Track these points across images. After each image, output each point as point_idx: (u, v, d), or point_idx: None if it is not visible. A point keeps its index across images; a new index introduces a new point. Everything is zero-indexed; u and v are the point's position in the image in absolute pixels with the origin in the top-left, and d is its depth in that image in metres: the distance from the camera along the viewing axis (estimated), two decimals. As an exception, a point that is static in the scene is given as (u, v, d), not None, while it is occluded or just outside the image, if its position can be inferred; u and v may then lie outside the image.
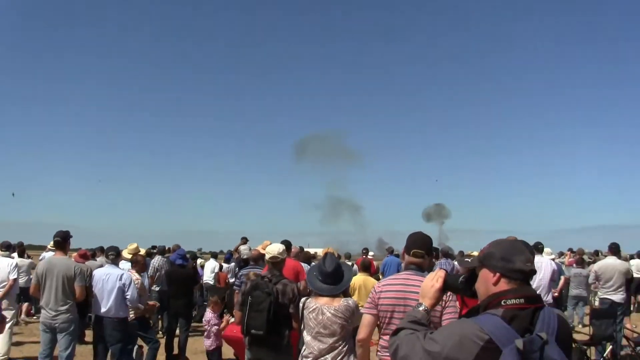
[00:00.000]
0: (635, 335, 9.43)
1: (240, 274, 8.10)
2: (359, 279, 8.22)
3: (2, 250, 9.10)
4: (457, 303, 3.61)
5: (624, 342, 9.07)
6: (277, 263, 5.32)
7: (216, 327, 7.52)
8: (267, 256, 5.34)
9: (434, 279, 2.31)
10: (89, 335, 9.20)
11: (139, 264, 7.88)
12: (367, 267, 8.72)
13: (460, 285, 2.27)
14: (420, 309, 2.25)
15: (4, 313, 7.93)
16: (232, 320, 7.54)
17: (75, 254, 11.36)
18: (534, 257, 2.14)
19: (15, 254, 11.23)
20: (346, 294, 6.30)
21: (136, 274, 7.50)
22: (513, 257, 2.05)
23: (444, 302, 3.44)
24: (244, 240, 14.63)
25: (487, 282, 2.08)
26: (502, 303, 1.97)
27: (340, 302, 4.32)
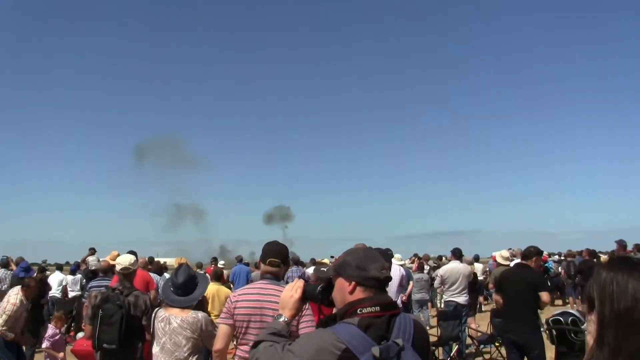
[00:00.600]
0: (479, 334, 10.20)
1: (90, 286, 7.84)
2: (211, 289, 8.31)
3: None
4: (313, 312, 3.62)
5: (469, 341, 9.82)
6: (128, 274, 5.26)
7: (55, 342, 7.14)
8: (118, 267, 5.26)
9: (293, 289, 2.28)
10: None
11: (30, 289, 6.94)
12: (219, 277, 8.80)
13: (318, 294, 2.25)
14: (280, 320, 2.22)
15: None
16: (81, 334, 7.30)
17: None
18: (390, 265, 2.31)
19: None
20: (204, 307, 6.37)
21: (20, 297, 6.67)
22: (368, 265, 2.06)
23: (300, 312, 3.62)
24: (92, 251, 14.12)
25: (343, 291, 2.09)
26: (358, 312, 1.98)
27: (188, 314, 4.28)
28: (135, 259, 5.53)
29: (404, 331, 1.96)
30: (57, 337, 7.29)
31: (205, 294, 8.24)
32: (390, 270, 2.37)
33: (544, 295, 5.86)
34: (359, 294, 2.04)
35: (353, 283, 2.06)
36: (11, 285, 9.99)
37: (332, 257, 16.47)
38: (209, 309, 8.04)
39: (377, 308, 1.98)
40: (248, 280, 11.32)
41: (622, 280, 1.39)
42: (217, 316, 3.75)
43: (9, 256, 12.05)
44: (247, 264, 14.22)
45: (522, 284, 6.15)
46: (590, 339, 1.44)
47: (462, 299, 9.51)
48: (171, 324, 4.22)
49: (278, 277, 3.73)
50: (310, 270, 11.20)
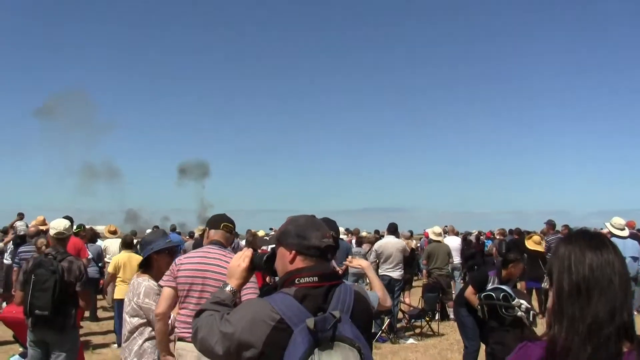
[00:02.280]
0: (411, 308, 10.53)
1: (19, 251, 7.58)
2: (122, 257, 8.26)
3: None
4: (257, 282, 3.63)
5: (400, 315, 10.07)
6: (62, 239, 5.12)
7: None
8: (53, 232, 5.09)
9: (241, 259, 2.25)
10: None
11: None
12: (129, 244, 8.75)
13: (263, 264, 2.23)
14: (227, 289, 2.18)
15: None
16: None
17: None
18: (337, 234, 2.24)
19: None
20: None
21: None
22: (308, 234, 2.03)
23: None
24: (20, 216, 13.69)
25: (284, 260, 2.06)
26: (296, 281, 1.95)
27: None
28: (70, 224, 5.39)
29: (343, 303, 1.93)
30: None
31: (115, 261, 8.22)
32: (333, 239, 2.37)
33: None
34: (299, 263, 2.00)
35: (293, 252, 2.02)
36: None
37: (271, 229, 16.57)
38: (120, 277, 8.04)
39: (315, 278, 1.94)
40: (181, 251, 11.21)
41: (579, 252, 1.48)
42: (162, 279, 3.66)
43: None
44: (180, 233, 14.02)
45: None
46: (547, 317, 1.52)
47: (396, 273, 9.64)
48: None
49: (226, 245, 3.71)
50: (243, 242, 11.13)
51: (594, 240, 1.51)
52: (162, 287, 3.68)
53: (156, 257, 4.08)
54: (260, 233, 13.27)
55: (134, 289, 4.02)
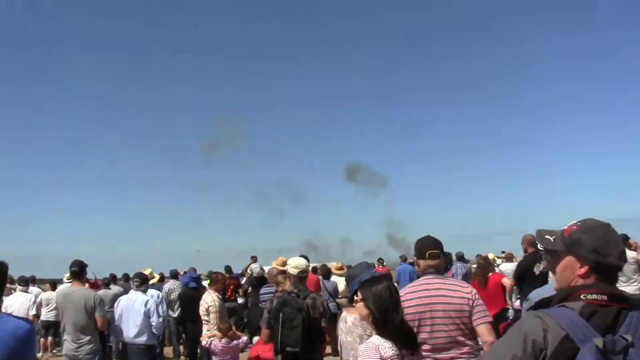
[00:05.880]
0: None
1: (261, 292, 8.14)
2: None
3: (19, 285, 9.14)
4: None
5: None
6: (303, 278, 5.31)
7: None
8: (295, 271, 5.28)
9: None
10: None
11: (218, 283, 7.85)
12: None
13: None
14: None
15: None
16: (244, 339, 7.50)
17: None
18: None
19: (34, 287, 11.26)
20: None
21: (214, 295, 7.48)
22: (608, 251, 1.87)
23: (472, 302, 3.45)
24: (254, 259, 14.80)
25: (572, 272, 1.92)
26: (582, 297, 1.81)
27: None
28: (307, 262, 5.59)
29: (636, 328, 1.73)
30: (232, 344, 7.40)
31: None
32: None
33: None
34: (590, 279, 1.85)
35: (587, 267, 1.86)
36: (180, 296, 10.54)
37: (503, 252, 15.35)
38: None
39: (605, 297, 1.78)
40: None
41: None
42: None
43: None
44: (412, 264, 13.76)
45: None
46: None
47: (630, 288, 8.39)
48: (347, 322, 4.12)
49: (439, 271, 3.62)
50: (472, 266, 10.54)
51: None
52: None
53: None
54: (490, 256, 12.60)
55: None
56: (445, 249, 4.44)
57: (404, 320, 3.17)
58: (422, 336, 3.39)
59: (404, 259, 15.31)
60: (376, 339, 3.05)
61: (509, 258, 13.22)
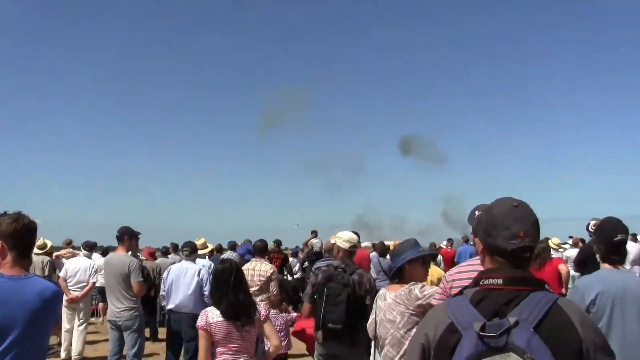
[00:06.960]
0: None
1: (316, 266, 8.01)
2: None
3: (84, 250, 9.37)
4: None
5: None
6: (353, 252, 5.15)
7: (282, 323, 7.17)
8: (347, 245, 5.11)
9: None
10: (162, 332, 9.34)
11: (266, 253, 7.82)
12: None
13: None
14: None
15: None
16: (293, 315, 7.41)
17: (144, 251, 11.71)
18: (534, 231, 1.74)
19: (97, 254, 11.60)
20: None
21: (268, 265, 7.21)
22: (496, 232, 1.74)
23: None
24: (315, 234, 14.86)
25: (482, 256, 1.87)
26: (481, 283, 1.73)
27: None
28: (357, 237, 5.42)
29: (531, 311, 1.59)
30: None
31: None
32: (530, 237, 1.74)
33: None
34: (489, 263, 1.78)
35: (481, 248, 1.82)
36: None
37: (570, 237, 14.54)
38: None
39: (500, 281, 1.68)
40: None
41: None
42: (434, 297, 3.56)
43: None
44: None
45: None
46: None
47: None
48: (386, 299, 3.88)
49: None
50: None
51: None
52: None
53: (408, 267, 3.92)
54: (556, 241, 11.99)
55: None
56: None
57: None
58: None
59: (465, 239, 14.94)
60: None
61: (575, 244, 12.64)
